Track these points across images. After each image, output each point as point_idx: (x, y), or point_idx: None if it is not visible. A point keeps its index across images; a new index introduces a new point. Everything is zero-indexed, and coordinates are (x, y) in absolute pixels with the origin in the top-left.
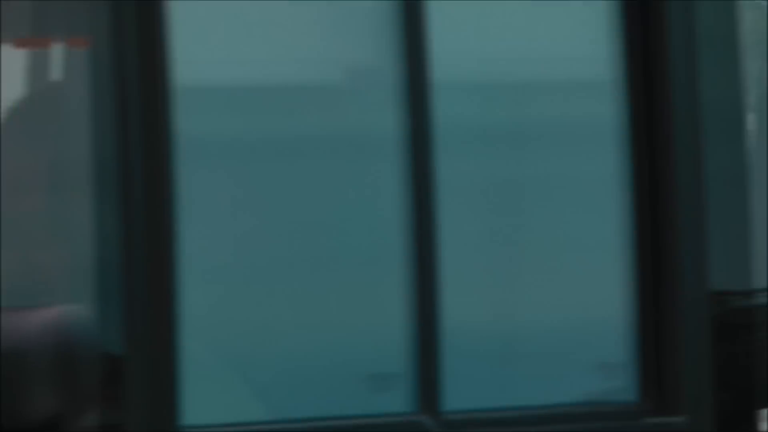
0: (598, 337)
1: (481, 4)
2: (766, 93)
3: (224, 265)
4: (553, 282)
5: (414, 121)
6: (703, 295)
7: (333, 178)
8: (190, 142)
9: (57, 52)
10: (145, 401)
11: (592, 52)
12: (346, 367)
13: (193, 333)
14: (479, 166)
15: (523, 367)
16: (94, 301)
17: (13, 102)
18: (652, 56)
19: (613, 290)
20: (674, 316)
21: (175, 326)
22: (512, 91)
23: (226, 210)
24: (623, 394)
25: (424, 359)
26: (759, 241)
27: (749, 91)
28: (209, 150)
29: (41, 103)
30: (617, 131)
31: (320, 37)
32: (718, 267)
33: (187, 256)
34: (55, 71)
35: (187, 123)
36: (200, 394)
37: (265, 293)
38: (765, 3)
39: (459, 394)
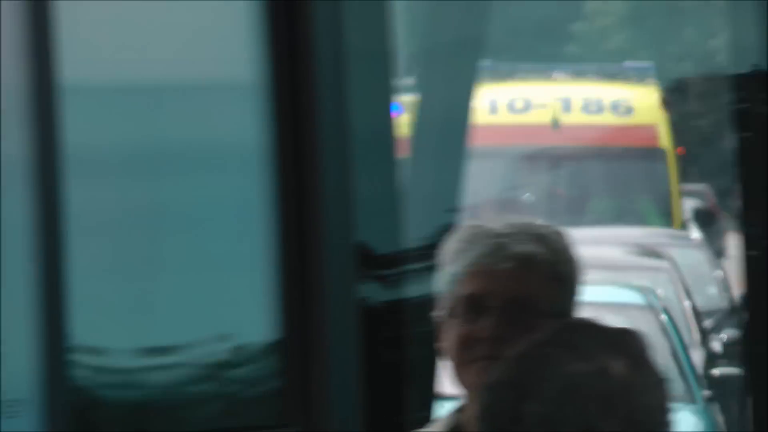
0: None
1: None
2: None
3: None
4: (191, 304)
5: (41, 138)
6: (352, 310)
7: None
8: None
9: None
10: None
11: (233, 54)
12: None
13: None
14: (110, 183)
15: (156, 392)
16: None
17: None
18: (299, 60)
19: (257, 311)
20: (323, 334)
21: None
22: (146, 99)
23: None
24: None
25: (51, 384)
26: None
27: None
28: None
29: None
30: (261, 141)
31: None
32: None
33: None
34: None
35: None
36: None
37: None
38: None
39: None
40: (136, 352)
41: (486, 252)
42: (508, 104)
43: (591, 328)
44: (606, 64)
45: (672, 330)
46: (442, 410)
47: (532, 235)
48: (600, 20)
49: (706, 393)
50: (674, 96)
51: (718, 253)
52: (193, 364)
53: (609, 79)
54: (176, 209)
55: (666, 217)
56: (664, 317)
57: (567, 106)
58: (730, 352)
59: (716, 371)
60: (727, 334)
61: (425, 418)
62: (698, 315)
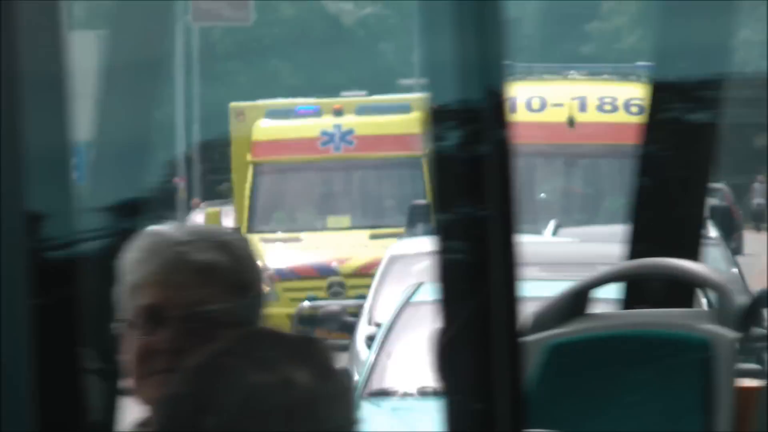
0: None
1: None
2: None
3: None
4: None
5: None
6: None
7: None
8: None
9: None
10: None
11: None
12: None
13: None
14: None
15: None
16: None
17: None
18: None
19: None
20: None
21: None
22: None
23: None
24: None
25: None
26: None
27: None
28: None
29: None
30: None
31: None
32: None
33: None
34: None
35: None
36: None
37: None
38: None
39: None
40: None
41: (165, 261)
42: (525, 103)
43: (274, 337)
44: (620, 64)
45: None
46: (126, 424)
47: (214, 243)
48: (616, 20)
49: None
50: None
51: (735, 251)
52: None
53: (623, 78)
54: None
55: None
56: None
57: (583, 105)
58: (746, 349)
59: None
60: None
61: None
62: None
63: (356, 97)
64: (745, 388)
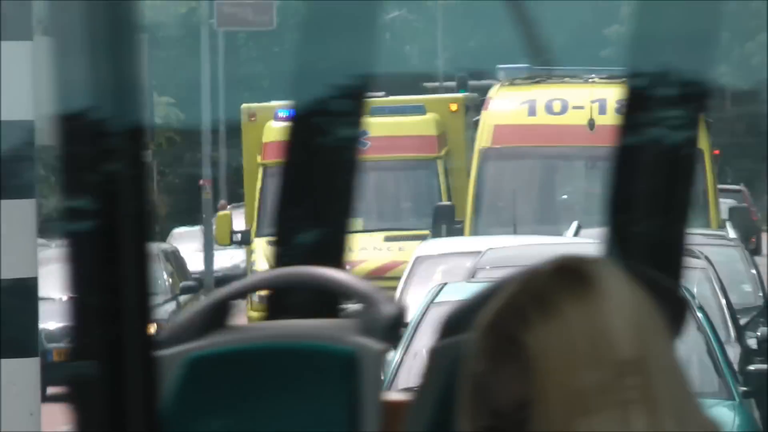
0: None
1: None
2: None
3: None
4: None
5: None
6: None
7: None
8: None
9: None
10: None
11: None
12: None
13: None
14: None
15: None
16: None
17: None
18: None
19: None
20: None
21: None
22: None
23: None
24: None
25: None
26: None
27: None
28: None
29: None
30: None
31: None
32: None
33: None
34: None
35: None
36: None
37: None
38: None
39: None
40: None
41: None
42: (545, 106)
43: None
44: None
45: (708, 327)
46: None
47: None
48: None
49: (743, 389)
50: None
51: (753, 251)
52: None
53: None
54: None
55: (704, 217)
56: (700, 315)
57: (603, 107)
58: (765, 349)
59: (752, 367)
60: (762, 331)
61: None
62: (734, 312)
63: (371, 98)
64: (392, 401)
